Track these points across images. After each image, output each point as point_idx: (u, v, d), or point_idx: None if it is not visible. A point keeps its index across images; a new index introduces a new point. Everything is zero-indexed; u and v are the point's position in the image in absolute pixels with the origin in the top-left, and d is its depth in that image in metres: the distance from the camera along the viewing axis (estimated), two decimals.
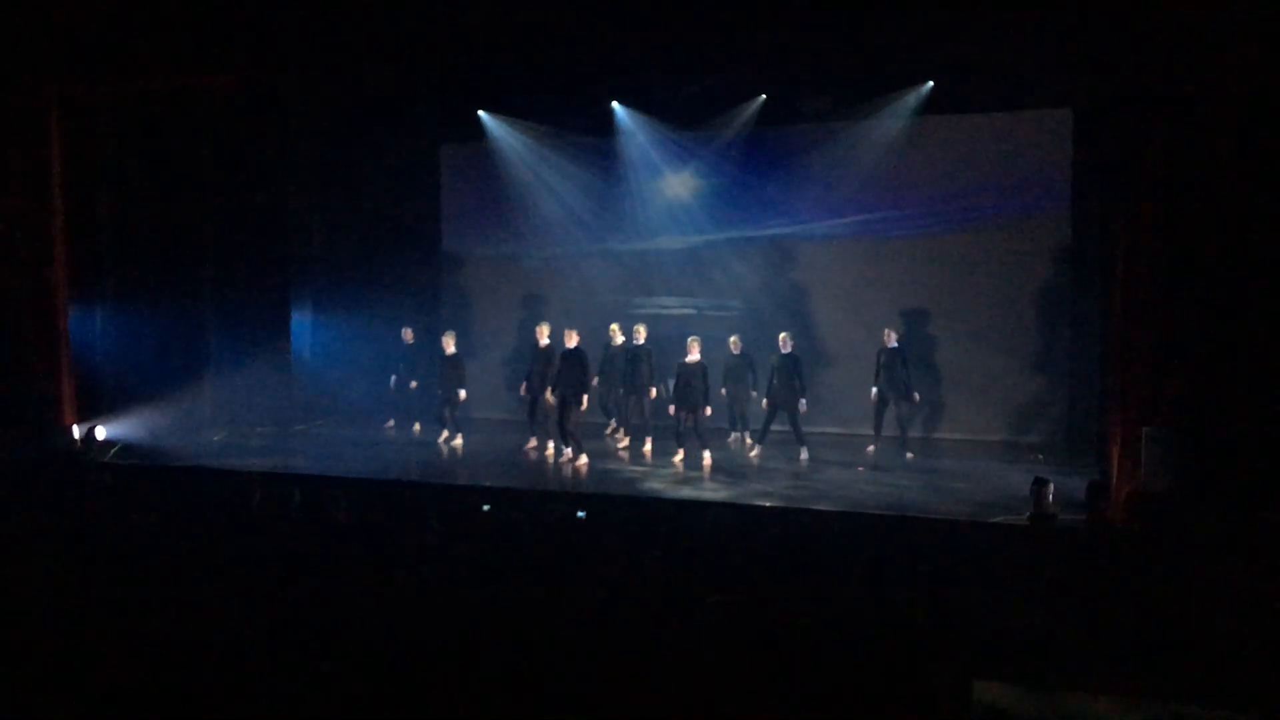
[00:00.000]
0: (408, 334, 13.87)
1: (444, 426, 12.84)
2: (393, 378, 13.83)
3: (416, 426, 13.75)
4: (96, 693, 4.40)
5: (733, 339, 12.52)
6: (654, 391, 12.10)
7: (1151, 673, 5.07)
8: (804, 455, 11.65)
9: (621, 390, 12.42)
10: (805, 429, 11.92)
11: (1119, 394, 9.08)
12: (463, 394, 12.73)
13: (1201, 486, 8.02)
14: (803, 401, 11.75)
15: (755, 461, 11.60)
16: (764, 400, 12.10)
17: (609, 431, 12.86)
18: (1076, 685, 4.91)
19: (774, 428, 12.09)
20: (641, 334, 12.07)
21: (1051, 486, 8.06)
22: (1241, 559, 6.71)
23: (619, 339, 12.33)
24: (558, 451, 11.65)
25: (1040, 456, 11.75)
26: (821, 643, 4.44)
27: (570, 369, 11.38)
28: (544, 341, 12.10)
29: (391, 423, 13.91)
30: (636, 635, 4.64)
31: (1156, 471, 8.17)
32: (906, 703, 4.15)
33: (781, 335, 11.95)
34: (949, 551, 7.13)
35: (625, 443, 12.25)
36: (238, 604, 5.24)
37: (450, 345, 12.80)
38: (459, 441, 12.74)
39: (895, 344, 12.09)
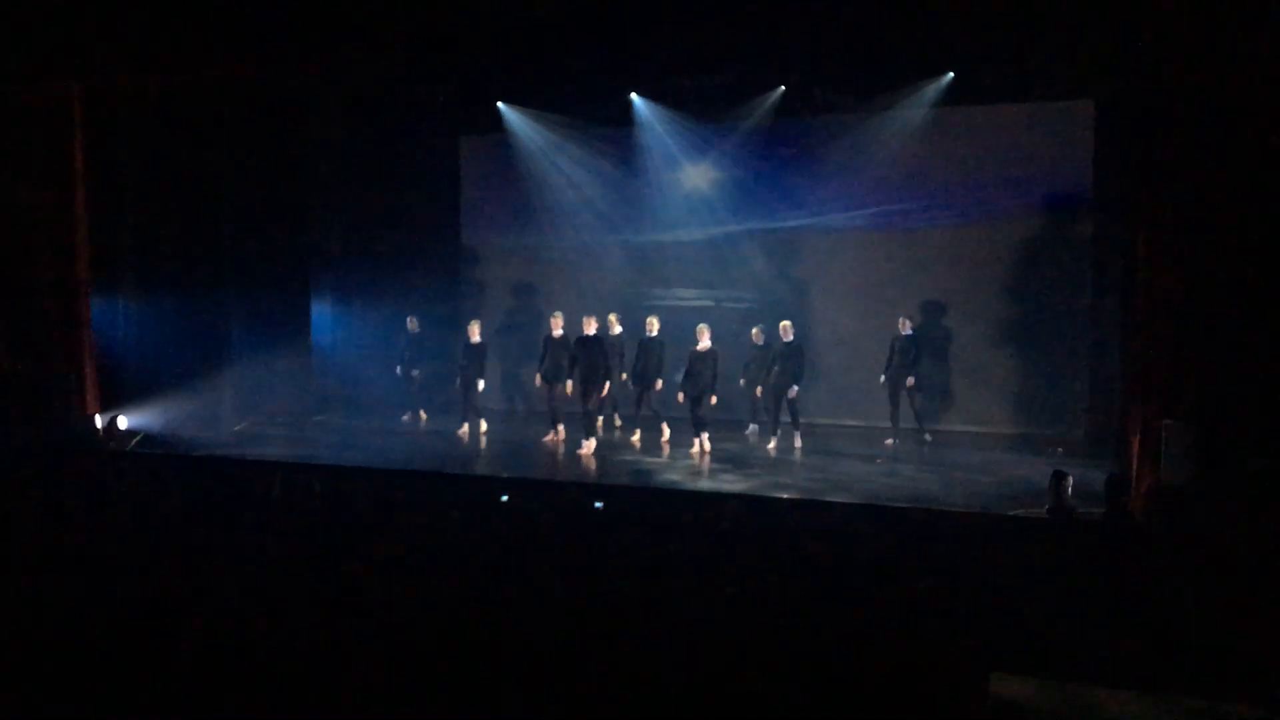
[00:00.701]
0: (413, 323, 13.94)
1: (465, 418, 12.84)
2: (398, 366, 13.92)
3: (423, 415, 13.84)
4: (116, 679, 4.45)
5: (755, 330, 12.56)
6: (659, 384, 12.08)
7: (1170, 667, 5.05)
8: (797, 442, 11.77)
9: (629, 381, 12.34)
10: (821, 421, 11.98)
11: (1139, 387, 9.04)
12: (481, 384, 12.75)
13: (1222, 480, 7.98)
14: (794, 388, 11.82)
15: (772, 453, 11.61)
16: (758, 388, 12.20)
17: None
18: (1095, 679, 4.90)
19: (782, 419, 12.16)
20: (654, 326, 12.06)
21: (1070, 480, 8.03)
22: (1261, 553, 6.67)
23: (616, 329, 12.30)
24: (582, 441, 11.68)
25: (1059, 450, 11.70)
26: (838, 635, 4.44)
27: (588, 356, 11.42)
28: (558, 331, 12.16)
29: (408, 415, 13.97)
30: (653, 626, 4.66)
31: (1176, 465, 8.12)
32: (923, 695, 4.15)
33: (783, 324, 12.00)
34: (967, 544, 7.12)
35: (637, 434, 12.26)
36: (256, 591, 5.28)
37: (475, 334, 12.80)
38: (481, 428, 12.77)
39: (910, 331, 12.14)
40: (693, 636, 4.52)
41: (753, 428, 12.78)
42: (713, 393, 11.54)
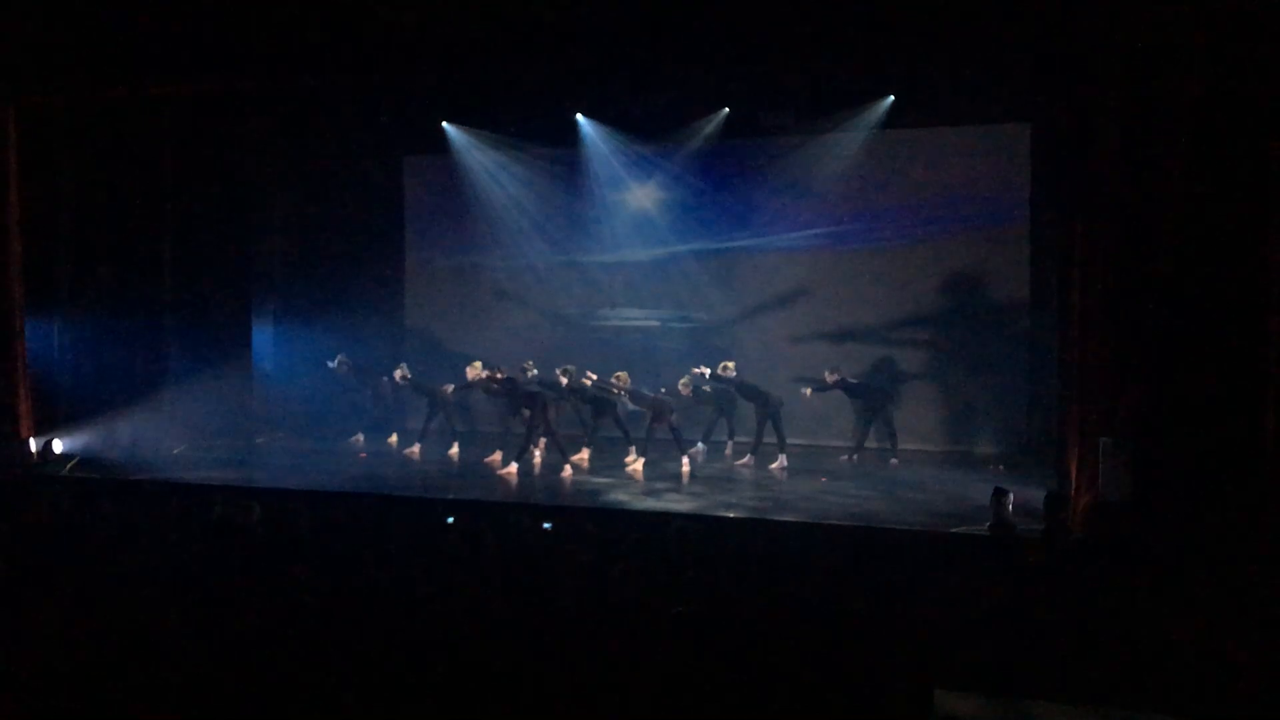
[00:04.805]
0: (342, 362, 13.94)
1: (421, 440, 12.94)
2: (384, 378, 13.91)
3: (393, 438, 13.75)
4: (53, 711, 4.35)
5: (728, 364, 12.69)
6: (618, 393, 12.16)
7: (1110, 681, 5.13)
8: (783, 462, 11.83)
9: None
10: (766, 440, 12.01)
11: (1076, 404, 9.20)
12: (449, 388, 12.91)
13: (1158, 496, 8.13)
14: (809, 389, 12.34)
15: (783, 475, 11.67)
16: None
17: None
18: (1037, 694, 4.96)
19: (742, 438, 12.24)
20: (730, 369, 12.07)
21: (1011, 497, 8.12)
22: (1197, 568, 6.80)
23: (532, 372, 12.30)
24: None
25: (1000, 467, 11.87)
26: (783, 653, 4.46)
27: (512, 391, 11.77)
28: (532, 373, 12.18)
29: (395, 437, 13.78)
30: (601, 646, 4.64)
31: (1114, 481, 8.27)
32: (867, 712, 4.18)
33: (723, 364, 12.04)
34: (910, 561, 7.19)
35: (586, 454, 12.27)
36: (196, 618, 5.19)
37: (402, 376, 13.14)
38: (454, 451, 12.80)
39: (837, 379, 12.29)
40: (640, 655, 4.51)
41: (700, 447, 12.83)
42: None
